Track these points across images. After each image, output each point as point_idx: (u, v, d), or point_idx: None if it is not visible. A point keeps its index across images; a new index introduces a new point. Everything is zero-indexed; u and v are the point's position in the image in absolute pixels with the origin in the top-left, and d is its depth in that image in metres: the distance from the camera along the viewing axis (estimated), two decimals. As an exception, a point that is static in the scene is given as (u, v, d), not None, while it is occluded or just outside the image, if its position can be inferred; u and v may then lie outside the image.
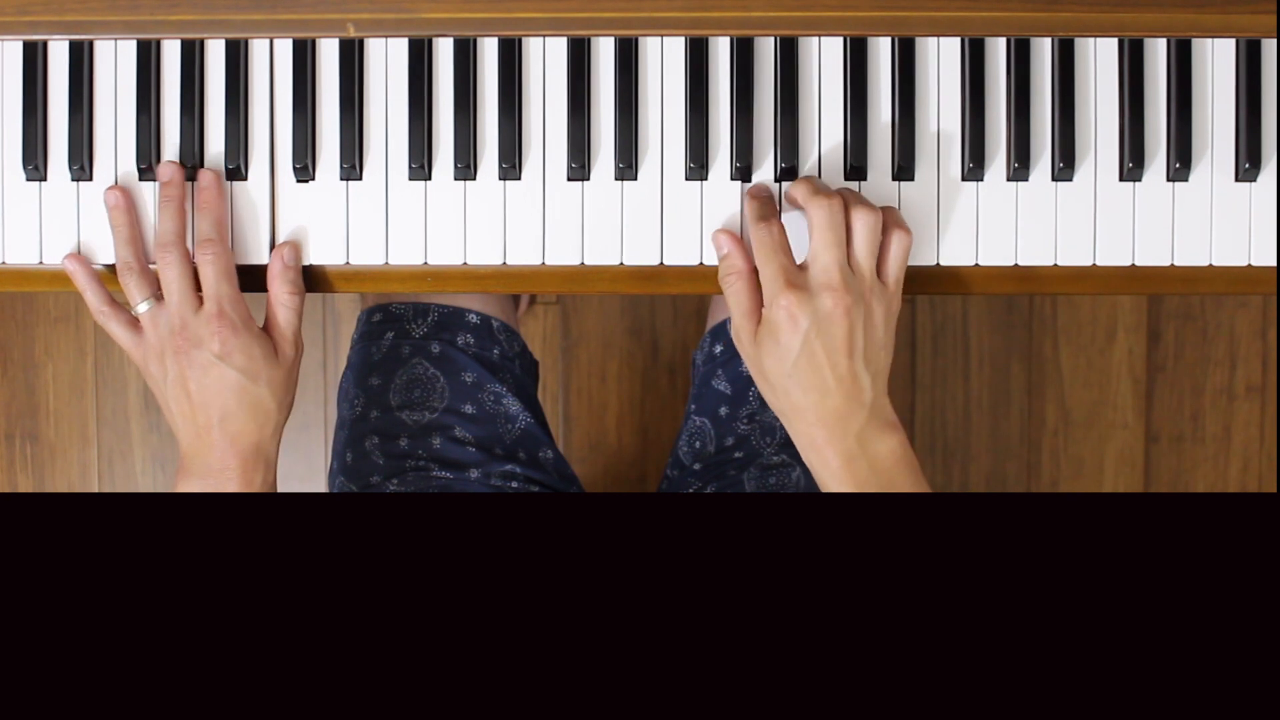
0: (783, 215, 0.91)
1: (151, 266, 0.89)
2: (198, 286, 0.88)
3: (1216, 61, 0.92)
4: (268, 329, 0.89)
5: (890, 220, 0.86)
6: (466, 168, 0.91)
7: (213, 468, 0.87)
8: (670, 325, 1.67)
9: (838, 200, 0.85)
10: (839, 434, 0.84)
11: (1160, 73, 0.92)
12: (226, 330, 0.86)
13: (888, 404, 0.86)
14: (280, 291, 0.89)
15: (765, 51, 0.91)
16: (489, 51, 0.91)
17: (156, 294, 0.88)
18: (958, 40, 0.91)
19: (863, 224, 0.85)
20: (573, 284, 0.92)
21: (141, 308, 0.88)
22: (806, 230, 0.87)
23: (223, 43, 0.91)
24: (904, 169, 0.91)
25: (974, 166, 0.91)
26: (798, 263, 0.86)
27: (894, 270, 0.86)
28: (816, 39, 0.91)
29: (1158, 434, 1.69)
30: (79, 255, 0.90)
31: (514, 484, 1.08)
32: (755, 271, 0.87)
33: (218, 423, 0.87)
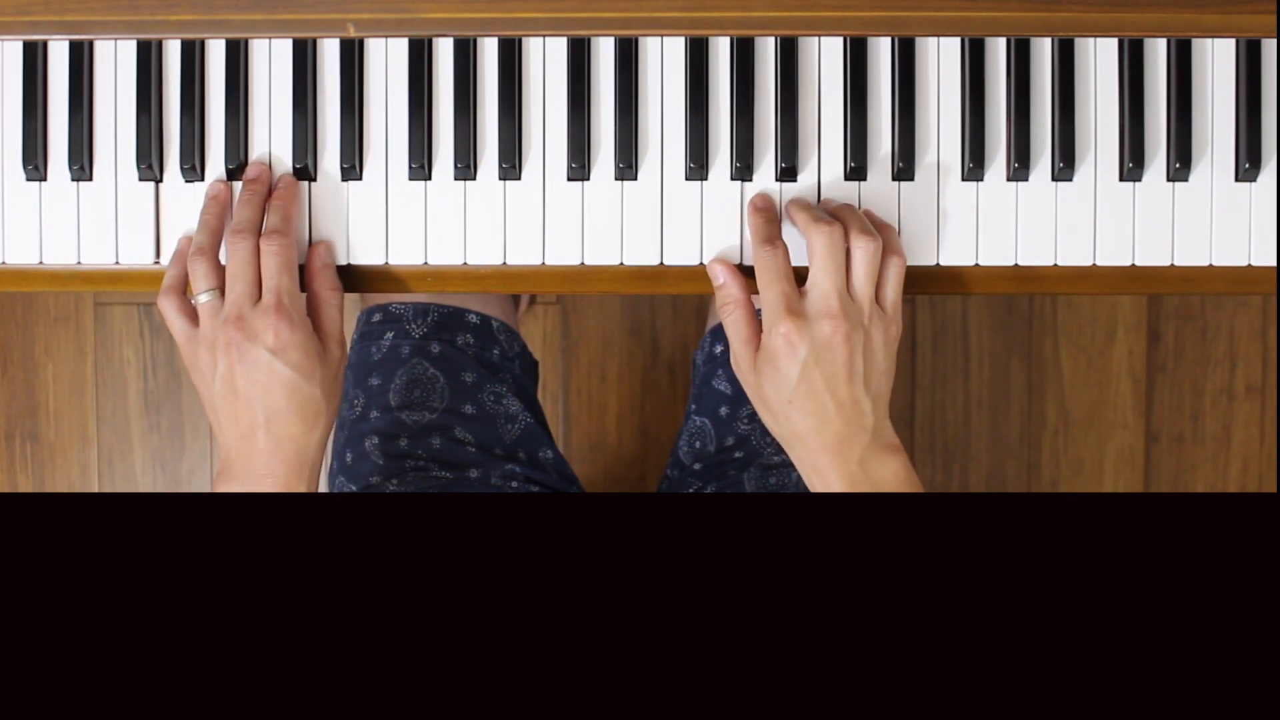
0: (783, 227, 0.91)
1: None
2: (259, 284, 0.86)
3: (1216, 61, 0.92)
4: (315, 329, 0.88)
5: (887, 245, 0.86)
6: (466, 168, 0.91)
7: (256, 472, 0.85)
8: (670, 325, 1.67)
9: (838, 228, 0.85)
10: (841, 459, 0.84)
11: (1160, 73, 0.92)
12: (284, 324, 0.84)
13: (889, 427, 0.86)
14: (322, 289, 0.89)
15: (765, 51, 0.91)
16: (489, 51, 0.91)
17: (220, 287, 0.86)
18: (958, 40, 0.91)
19: (862, 251, 0.85)
20: (573, 284, 0.92)
21: (203, 297, 0.86)
22: (804, 246, 0.87)
23: (223, 43, 0.91)
24: (904, 169, 0.91)
25: (974, 166, 0.91)
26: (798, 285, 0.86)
27: (891, 295, 0.86)
28: (816, 39, 0.91)
29: (1158, 434, 1.69)
30: (190, 238, 0.90)
31: (514, 484, 1.08)
32: (751, 300, 0.87)
33: (264, 423, 0.84)
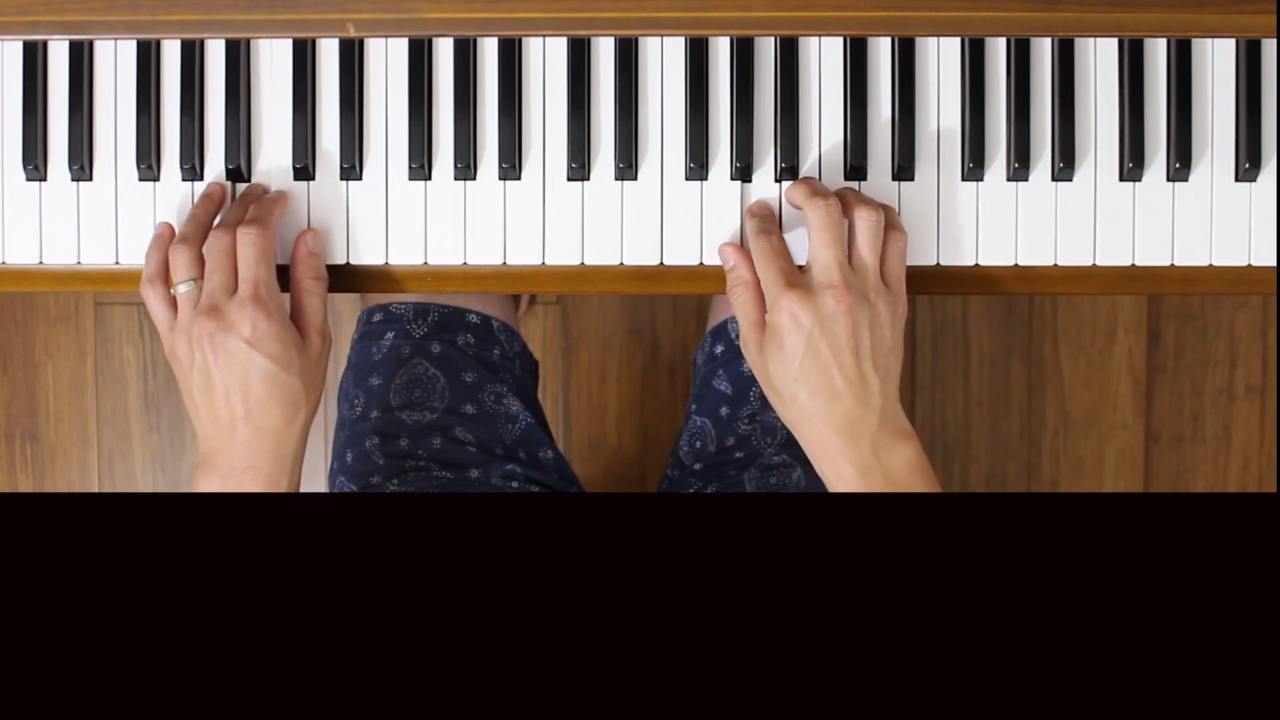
0: (784, 223, 0.91)
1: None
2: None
3: (1216, 61, 0.92)
4: (295, 318, 0.87)
5: (889, 221, 0.86)
6: (466, 168, 0.91)
7: (236, 466, 0.84)
8: (670, 325, 1.67)
9: (833, 200, 0.84)
10: (852, 442, 0.83)
11: (1160, 73, 0.92)
12: (260, 315, 0.83)
13: (900, 411, 0.85)
14: (304, 278, 0.88)
15: (765, 51, 0.91)
16: (489, 51, 0.91)
17: (200, 278, 0.86)
18: (958, 40, 0.91)
19: (864, 221, 0.84)
20: (573, 284, 0.92)
21: (182, 287, 0.85)
22: (804, 244, 0.87)
23: (223, 43, 0.91)
24: (904, 169, 0.91)
25: (974, 166, 0.91)
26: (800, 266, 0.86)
27: (895, 270, 0.86)
28: (816, 39, 0.91)
29: (1158, 434, 1.69)
30: (173, 226, 0.89)
31: (514, 484, 1.08)
32: (760, 283, 0.87)
33: (244, 416, 0.84)
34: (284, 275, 0.89)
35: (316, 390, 0.87)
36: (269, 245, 0.86)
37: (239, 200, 0.89)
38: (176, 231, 0.90)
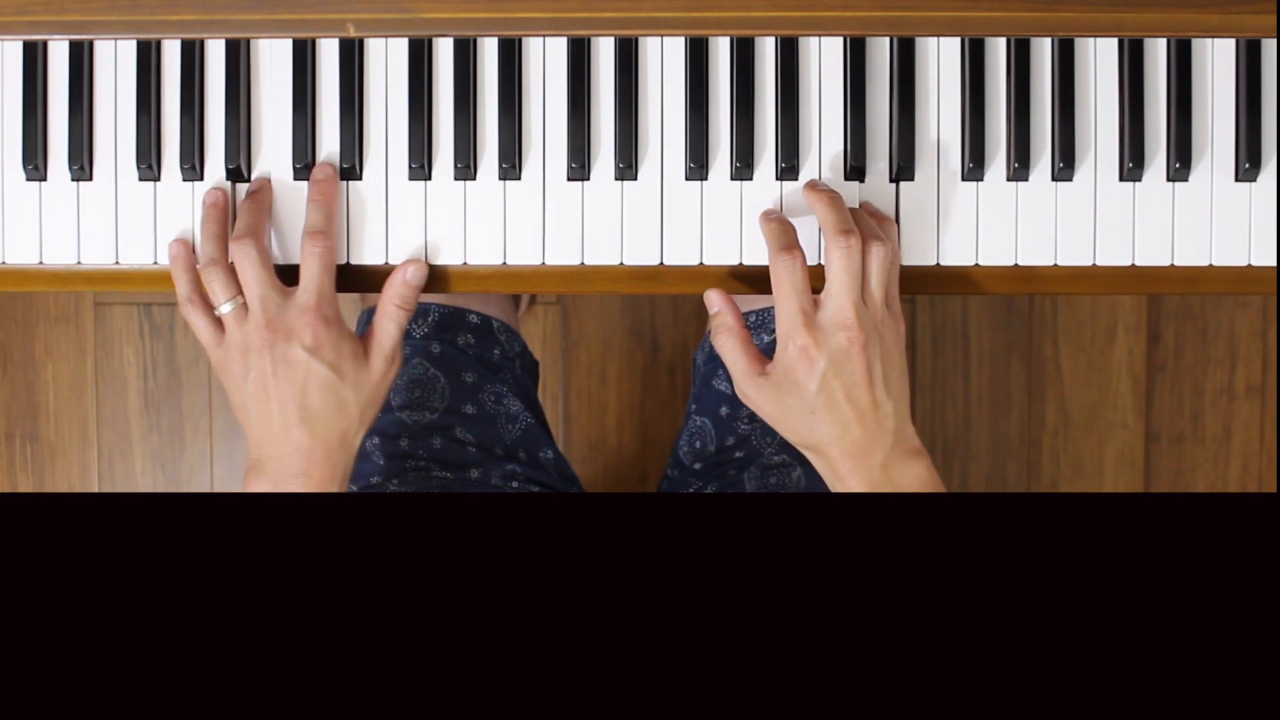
0: (787, 210, 0.91)
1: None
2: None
3: (1216, 61, 0.92)
4: (367, 337, 0.88)
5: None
6: (466, 168, 0.91)
7: (289, 471, 0.85)
8: (670, 325, 1.67)
9: (856, 241, 0.84)
10: (863, 465, 0.85)
11: (1160, 73, 0.92)
12: (320, 323, 0.85)
13: (911, 430, 0.86)
14: (389, 303, 0.89)
15: (765, 51, 0.91)
16: (489, 51, 0.91)
17: (240, 295, 0.86)
18: (958, 40, 0.91)
19: (878, 261, 0.85)
20: (573, 284, 0.92)
21: (225, 307, 0.86)
22: (814, 220, 0.87)
23: (223, 43, 0.91)
24: (904, 169, 0.91)
25: (974, 166, 0.91)
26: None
27: (892, 291, 0.87)
28: (816, 39, 0.91)
29: (1158, 434, 1.69)
30: (186, 241, 0.90)
31: (514, 484, 1.08)
32: (745, 327, 0.87)
33: (298, 422, 0.85)
34: (287, 276, 0.89)
35: (373, 409, 0.88)
36: (333, 258, 0.87)
37: (247, 202, 0.89)
38: (197, 249, 0.90)
